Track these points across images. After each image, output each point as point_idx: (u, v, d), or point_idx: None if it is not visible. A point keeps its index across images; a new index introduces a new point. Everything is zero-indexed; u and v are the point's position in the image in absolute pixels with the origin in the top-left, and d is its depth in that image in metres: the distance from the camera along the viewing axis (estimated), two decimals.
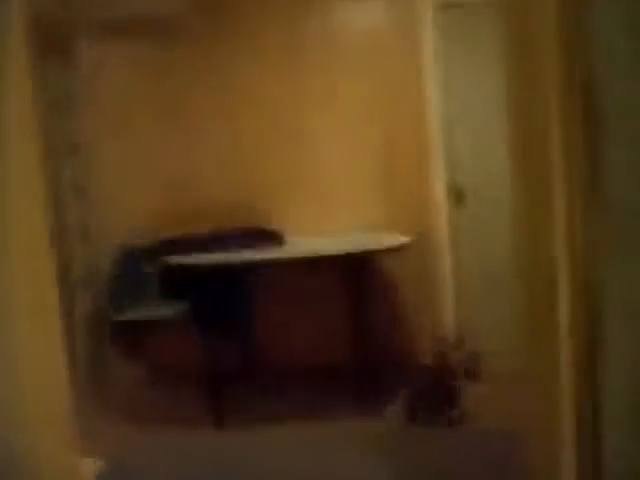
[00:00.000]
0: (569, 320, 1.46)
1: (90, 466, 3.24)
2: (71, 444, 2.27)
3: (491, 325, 4.84)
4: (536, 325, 1.71)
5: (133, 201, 4.92)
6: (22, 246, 2.23)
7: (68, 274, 4.87)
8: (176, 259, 3.92)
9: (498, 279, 4.71)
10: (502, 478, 1.92)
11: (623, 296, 1.42)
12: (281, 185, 4.85)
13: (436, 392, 3.79)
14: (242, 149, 4.85)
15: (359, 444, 2.12)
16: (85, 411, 4.42)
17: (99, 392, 4.81)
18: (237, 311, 4.92)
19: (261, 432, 3.77)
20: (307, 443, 3.36)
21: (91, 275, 4.99)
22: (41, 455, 1.96)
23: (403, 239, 4.16)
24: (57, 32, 4.64)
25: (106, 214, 4.94)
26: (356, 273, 3.93)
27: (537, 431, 1.72)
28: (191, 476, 2.27)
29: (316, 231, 4.81)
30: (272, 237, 4.31)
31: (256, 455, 2.24)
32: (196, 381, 4.69)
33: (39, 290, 2.16)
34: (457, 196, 4.70)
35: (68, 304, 4.90)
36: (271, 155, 4.84)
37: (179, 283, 4.55)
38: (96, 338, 5.01)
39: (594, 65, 1.55)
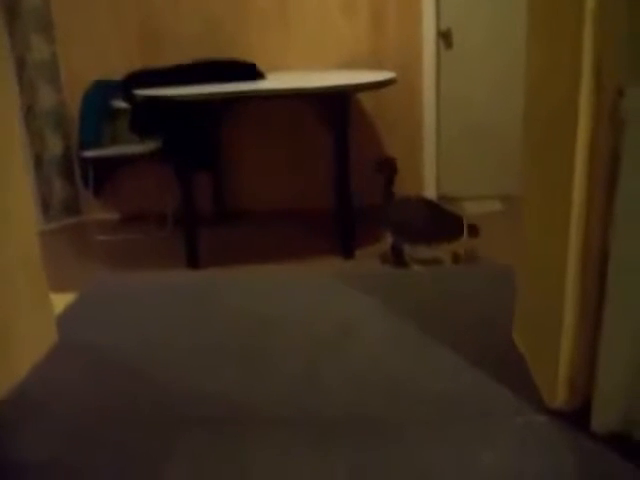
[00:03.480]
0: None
1: (61, 299, 3.17)
2: (41, 281, 2.17)
3: (470, 169, 4.82)
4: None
5: (104, 38, 4.61)
6: None
7: (34, 114, 4.63)
8: (149, 92, 3.64)
9: (480, 121, 4.75)
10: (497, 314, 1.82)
11: None
12: (264, 21, 4.56)
13: (437, 218, 3.59)
14: None
15: (343, 283, 2.01)
16: (58, 252, 4.34)
17: (72, 234, 4.71)
18: (212, 149, 4.72)
19: (236, 272, 3.68)
20: (288, 281, 3.29)
21: (60, 114, 4.75)
22: (9, 293, 1.86)
23: (388, 74, 3.95)
24: None
25: (76, 52, 4.65)
26: (340, 110, 3.71)
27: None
28: (162, 305, 2.19)
29: (299, 67, 4.60)
30: (251, 70, 4.03)
31: (229, 290, 2.14)
32: (169, 222, 4.58)
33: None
34: (444, 38, 4.63)
35: (37, 145, 4.69)
36: None
37: (152, 119, 4.31)
38: (68, 179, 4.84)
39: None
